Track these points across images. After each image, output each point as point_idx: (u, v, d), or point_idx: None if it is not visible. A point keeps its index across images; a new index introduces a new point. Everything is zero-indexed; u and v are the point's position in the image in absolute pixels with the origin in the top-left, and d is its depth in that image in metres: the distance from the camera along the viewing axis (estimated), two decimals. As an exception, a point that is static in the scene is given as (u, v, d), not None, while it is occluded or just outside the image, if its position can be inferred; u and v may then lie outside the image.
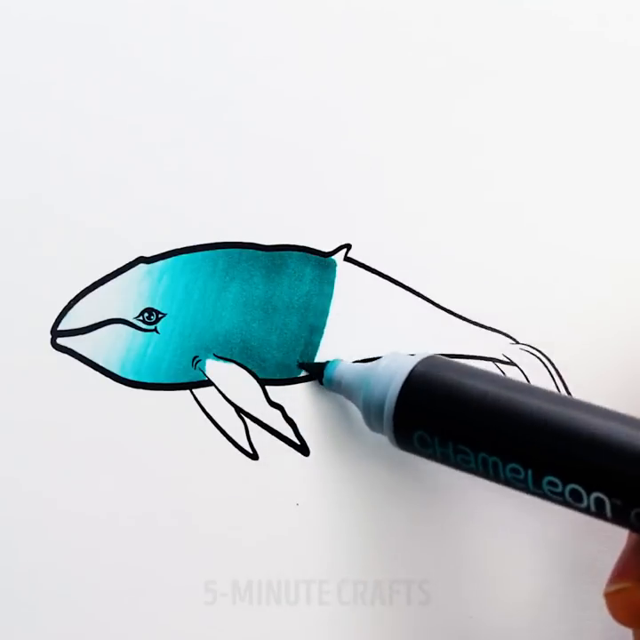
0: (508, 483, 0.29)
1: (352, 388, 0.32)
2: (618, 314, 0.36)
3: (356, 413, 0.33)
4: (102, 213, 0.33)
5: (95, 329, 0.33)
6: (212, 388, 0.33)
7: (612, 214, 0.35)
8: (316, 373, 0.33)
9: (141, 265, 0.33)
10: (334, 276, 0.34)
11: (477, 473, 0.30)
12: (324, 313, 0.34)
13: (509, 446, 0.28)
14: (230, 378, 0.33)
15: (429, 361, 0.30)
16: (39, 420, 0.33)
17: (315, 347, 0.34)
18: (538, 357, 0.35)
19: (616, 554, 0.33)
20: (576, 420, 0.28)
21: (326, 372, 0.33)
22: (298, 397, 0.34)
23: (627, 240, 0.35)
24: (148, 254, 0.34)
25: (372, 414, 0.31)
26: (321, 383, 0.33)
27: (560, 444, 0.28)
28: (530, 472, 0.28)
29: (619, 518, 0.28)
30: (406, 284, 0.34)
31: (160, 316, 0.33)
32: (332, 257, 0.34)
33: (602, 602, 0.30)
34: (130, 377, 0.33)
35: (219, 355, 0.33)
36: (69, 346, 0.33)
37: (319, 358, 0.34)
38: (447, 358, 0.31)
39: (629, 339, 0.35)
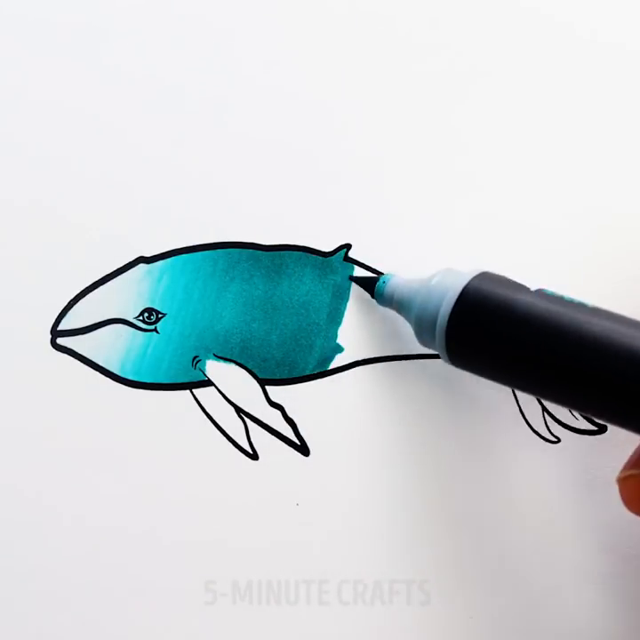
0: (554, 396, 0.29)
1: (404, 302, 0.32)
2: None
3: (357, 412, 0.33)
4: (102, 213, 0.34)
5: (95, 329, 0.33)
6: (212, 387, 0.33)
7: (614, 216, 0.35)
8: (368, 287, 0.33)
9: (141, 265, 0.34)
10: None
11: (527, 388, 0.30)
12: (323, 313, 0.34)
13: (562, 359, 0.28)
14: (230, 378, 0.33)
15: (483, 276, 0.30)
16: (39, 419, 0.33)
17: (316, 348, 0.34)
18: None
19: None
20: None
21: (378, 286, 0.33)
22: (298, 397, 0.34)
23: (628, 241, 0.35)
24: (147, 254, 0.34)
25: (425, 328, 0.31)
26: (372, 297, 0.33)
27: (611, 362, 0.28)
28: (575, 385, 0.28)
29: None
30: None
31: (160, 315, 0.33)
32: (332, 257, 0.34)
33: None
34: (130, 377, 0.33)
35: (219, 355, 0.33)
36: (69, 346, 0.33)
37: (321, 358, 0.34)
38: (500, 275, 0.31)
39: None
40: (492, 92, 0.35)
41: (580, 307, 0.29)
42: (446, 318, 0.30)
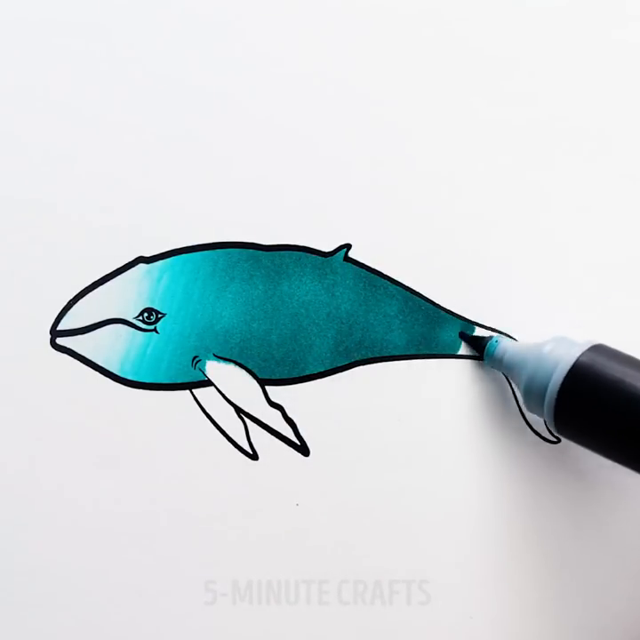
0: None
1: (514, 367, 0.32)
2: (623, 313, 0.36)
3: (357, 412, 0.33)
4: (102, 213, 0.33)
5: (95, 329, 0.33)
6: (212, 387, 0.33)
7: (617, 218, 0.35)
8: (478, 347, 0.34)
9: (141, 265, 0.33)
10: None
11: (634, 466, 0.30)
12: (323, 313, 0.34)
13: None
14: (230, 378, 0.33)
15: (596, 349, 0.30)
16: (39, 419, 0.33)
17: (316, 347, 0.34)
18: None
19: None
20: None
21: (489, 346, 0.33)
22: (298, 397, 0.34)
23: (630, 245, 0.35)
24: (147, 254, 0.34)
25: (533, 395, 0.31)
26: (481, 358, 0.34)
27: None
28: None
29: None
30: (406, 284, 0.34)
31: (160, 315, 0.33)
32: (332, 257, 0.34)
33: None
34: (129, 377, 0.33)
35: (218, 355, 0.33)
36: (69, 346, 0.33)
37: (326, 358, 0.34)
38: (613, 348, 0.31)
39: None
40: (495, 93, 0.35)
41: None
42: (557, 390, 0.30)
